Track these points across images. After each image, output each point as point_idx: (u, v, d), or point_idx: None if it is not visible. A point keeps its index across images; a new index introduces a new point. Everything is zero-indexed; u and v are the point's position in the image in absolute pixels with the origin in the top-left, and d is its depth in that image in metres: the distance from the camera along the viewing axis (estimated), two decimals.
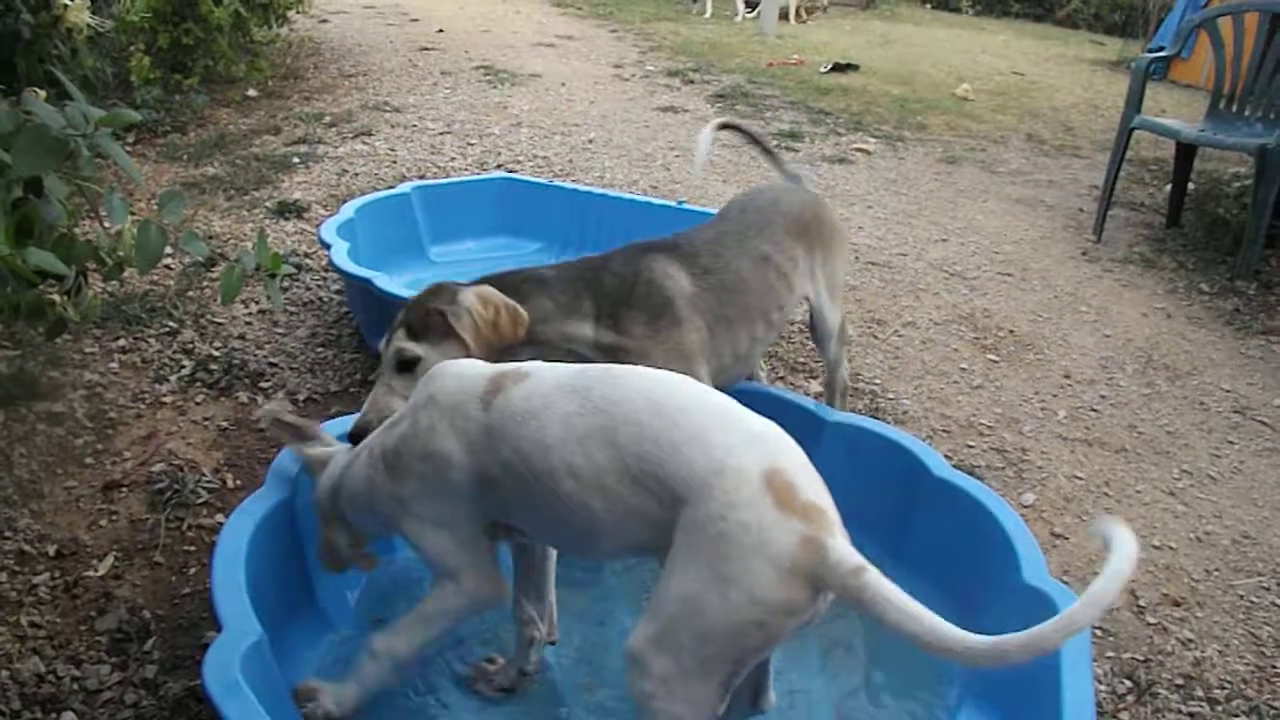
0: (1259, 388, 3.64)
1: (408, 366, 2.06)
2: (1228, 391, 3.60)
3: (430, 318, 2.08)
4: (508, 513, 1.71)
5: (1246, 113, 5.02)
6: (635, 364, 2.33)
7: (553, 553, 1.95)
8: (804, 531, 1.39)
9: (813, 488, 1.46)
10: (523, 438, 1.60)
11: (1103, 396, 3.47)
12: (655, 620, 1.46)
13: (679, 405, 1.53)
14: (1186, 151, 5.26)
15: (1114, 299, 4.35)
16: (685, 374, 1.99)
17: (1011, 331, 3.89)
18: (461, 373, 1.74)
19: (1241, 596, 2.53)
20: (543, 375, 1.67)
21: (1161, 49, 6.79)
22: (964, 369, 3.54)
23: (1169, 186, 5.51)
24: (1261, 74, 4.91)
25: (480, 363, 1.80)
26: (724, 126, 3.03)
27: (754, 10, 12.82)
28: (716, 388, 1.70)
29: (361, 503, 1.84)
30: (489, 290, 2.13)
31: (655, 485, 1.48)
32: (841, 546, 1.41)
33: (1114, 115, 5.28)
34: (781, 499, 1.40)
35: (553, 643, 1.99)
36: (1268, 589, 2.56)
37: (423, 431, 1.70)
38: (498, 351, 2.08)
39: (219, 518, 2.38)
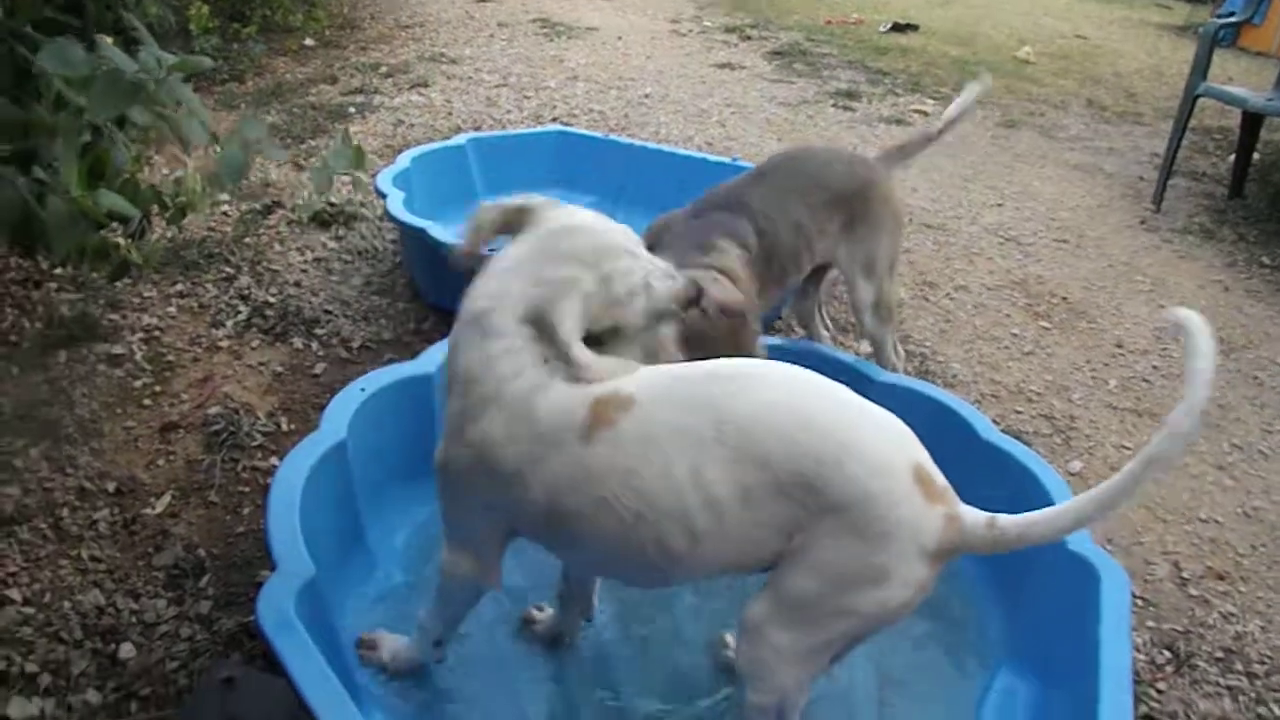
0: None
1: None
2: None
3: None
4: (551, 540, 1.65)
5: None
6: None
7: None
8: (946, 513, 1.46)
9: (938, 471, 1.52)
10: (636, 472, 1.47)
11: (1155, 367, 3.43)
12: (782, 596, 1.49)
13: (819, 413, 1.48)
14: (1253, 121, 5.14)
15: (1171, 269, 4.29)
16: None
17: (1065, 299, 3.85)
18: (565, 391, 1.52)
19: None
20: (651, 395, 1.51)
21: (1232, 14, 6.63)
22: (1015, 335, 3.52)
23: (1233, 156, 5.40)
24: None
25: (588, 365, 1.53)
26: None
27: None
28: None
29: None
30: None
31: (806, 496, 1.44)
32: (970, 513, 1.49)
33: (1179, 82, 5.18)
34: (928, 491, 1.46)
35: (588, 620, 2.01)
36: None
37: (496, 439, 1.53)
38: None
39: (273, 460, 2.43)
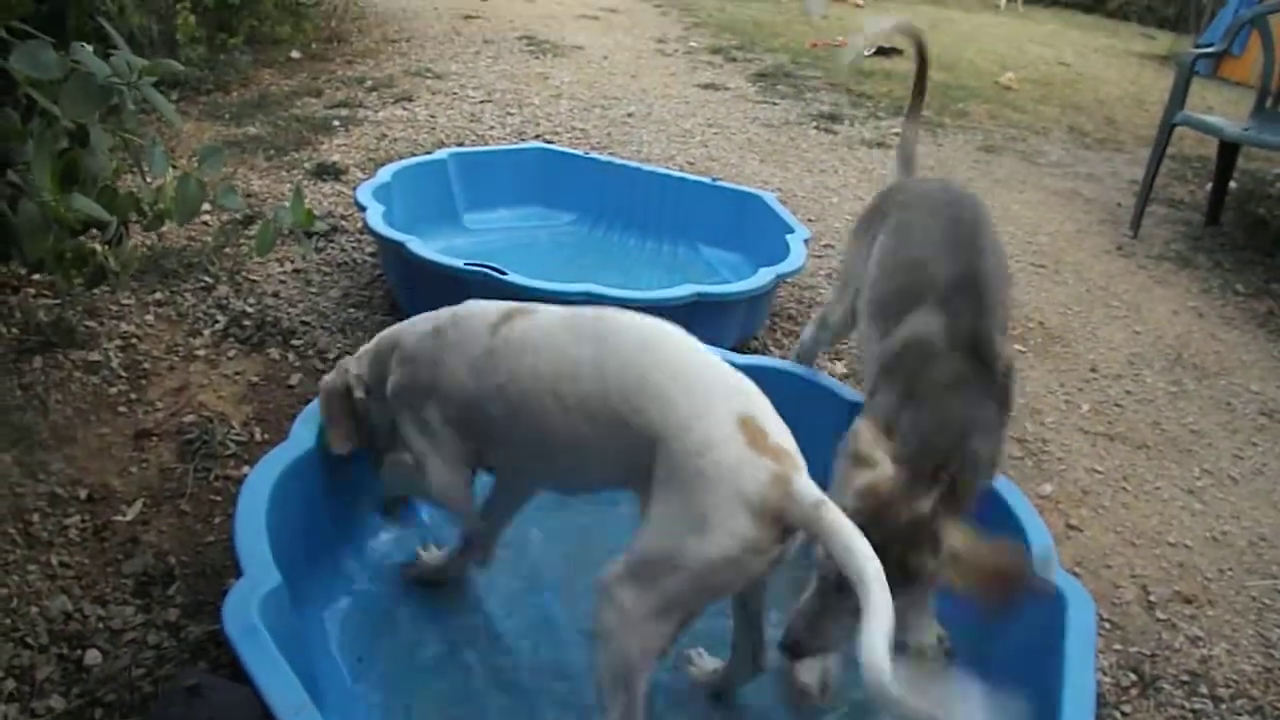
0: None
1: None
2: (1256, 393, 3.58)
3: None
4: (490, 441, 1.86)
5: None
6: None
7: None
8: (773, 469, 1.47)
9: (782, 433, 1.56)
10: (521, 365, 1.73)
11: (1128, 392, 3.46)
12: (630, 555, 1.55)
13: (667, 350, 1.64)
14: (1229, 150, 5.20)
15: (1146, 296, 4.33)
16: None
17: (1041, 323, 3.88)
18: (477, 308, 1.90)
19: (1254, 598, 2.53)
20: (546, 312, 1.81)
21: (1210, 45, 6.70)
22: None
23: (1210, 185, 5.46)
24: None
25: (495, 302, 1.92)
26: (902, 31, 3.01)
27: None
28: None
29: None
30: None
31: (635, 417, 1.57)
32: (805, 481, 1.50)
33: (1159, 110, 5.22)
34: (754, 439, 1.49)
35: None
36: None
37: (428, 357, 1.88)
38: None
39: (245, 469, 2.42)
